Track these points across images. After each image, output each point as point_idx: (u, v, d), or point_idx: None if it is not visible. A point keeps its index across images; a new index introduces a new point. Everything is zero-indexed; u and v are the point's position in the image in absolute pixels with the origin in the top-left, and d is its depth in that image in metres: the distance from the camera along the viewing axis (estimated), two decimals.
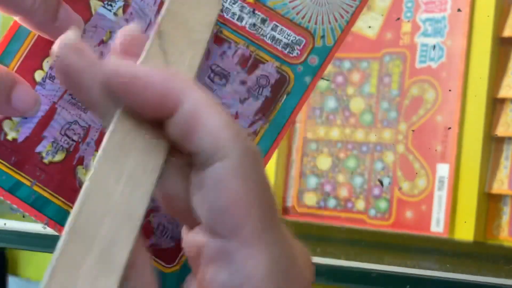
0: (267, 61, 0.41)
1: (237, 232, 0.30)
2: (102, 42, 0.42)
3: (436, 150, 0.72)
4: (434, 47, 0.73)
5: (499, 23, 0.71)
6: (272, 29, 0.41)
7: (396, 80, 0.75)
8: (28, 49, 0.41)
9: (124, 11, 0.41)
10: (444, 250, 0.71)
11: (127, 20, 0.41)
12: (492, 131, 0.71)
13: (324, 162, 0.77)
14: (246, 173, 0.31)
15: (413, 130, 0.72)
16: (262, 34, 0.40)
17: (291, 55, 0.41)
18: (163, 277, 0.40)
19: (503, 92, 0.71)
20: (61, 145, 0.41)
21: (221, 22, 0.40)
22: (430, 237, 0.71)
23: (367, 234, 0.75)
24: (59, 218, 0.40)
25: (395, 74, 0.75)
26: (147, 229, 0.40)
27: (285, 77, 0.41)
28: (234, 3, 0.41)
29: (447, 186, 0.71)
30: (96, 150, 0.41)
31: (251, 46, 0.41)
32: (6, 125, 0.41)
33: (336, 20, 0.41)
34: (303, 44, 0.41)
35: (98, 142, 0.41)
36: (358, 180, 0.76)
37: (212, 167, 0.31)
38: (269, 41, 0.41)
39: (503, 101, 0.71)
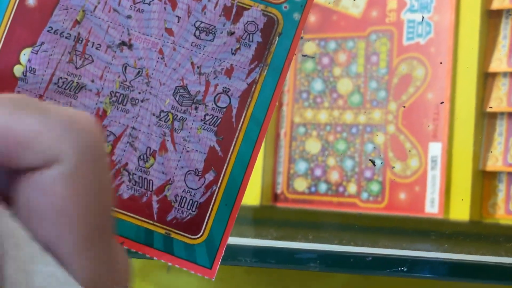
0: (251, 6, 0.39)
1: (57, 245, 0.26)
2: (78, 23, 0.39)
3: (428, 128, 0.70)
4: (422, 20, 0.71)
5: None
6: None
7: (384, 58, 0.73)
8: (0, 46, 0.39)
9: None
10: (440, 231, 0.69)
11: None
12: (484, 106, 0.69)
13: (313, 146, 0.75)
14: (78, 179, 0.25)
15: (404, 107, 0.70)
16: None
17: None
18: (192, 250, 0.39)
19: (494, 66, 0.69)
20: None
21: None
22: (425, 219, 0.69)
23: (360, 218, 0.73)
24: None
25: (383, 53, 0.73)
26: (165, 204, 0.39)
27: (272, 18, 0.39)
28: None
29: (440, 165, 0.69)
30: None
31: None
32: None
33: None
34: None
35: None
36: (349, 163, 0.74)
37: (40, 173, 0.25)
38: None
39: (494, 75, 0.69)
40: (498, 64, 0.69)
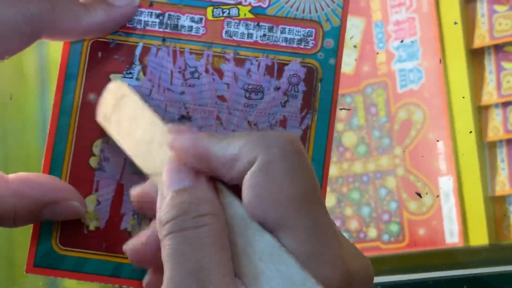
0: (290, 61, 0.43)
1: (267, 223, 0.34)
2: None
3: (435, 165, 0.74)
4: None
5: (468, 36, 0.75)
6: (281, 32, 0.43)
7: (382, 108, 0.78)
8: (73, 145, 0.42)
9: (144, 73, 0.43)
10: (463, 260, 0.73)
11: (150, 80, 0.42)
12: (483, 137, 0.74)
13: (329, 200, 0.79)
14: (268, 171, 0.34)
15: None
16: (275, 41, 0.43)
17: (308, 47, 0.43)
18: None
19: (486, 99, 0.74)
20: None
21: (235, 45, 0.43)
22: (448, 249, 0.73)
23: (385, 260, 0.76)
24: None
25: (380, 103, 0.78)
26: None
27: (311, 68, 0.43)
28: (238, 25, 0.43)
29: (453, 197, 0.73)
30: None
31: (270, 55, 0.43)
32: (84, 219, 0.42)
33: (333, 1, 0.43)
34: (314, 33, 0.43)
35: None
36: (365, 210, 0.78)
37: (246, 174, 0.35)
38: (283, 43, 0.43)
39: (487, 107, 0.74)
40: (489, 97, 0.74)
